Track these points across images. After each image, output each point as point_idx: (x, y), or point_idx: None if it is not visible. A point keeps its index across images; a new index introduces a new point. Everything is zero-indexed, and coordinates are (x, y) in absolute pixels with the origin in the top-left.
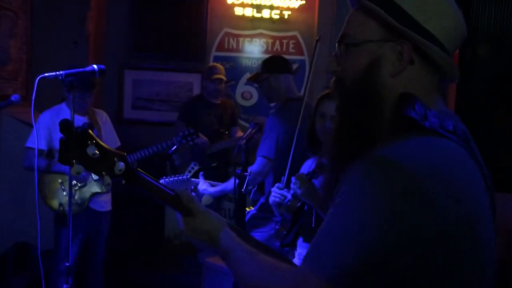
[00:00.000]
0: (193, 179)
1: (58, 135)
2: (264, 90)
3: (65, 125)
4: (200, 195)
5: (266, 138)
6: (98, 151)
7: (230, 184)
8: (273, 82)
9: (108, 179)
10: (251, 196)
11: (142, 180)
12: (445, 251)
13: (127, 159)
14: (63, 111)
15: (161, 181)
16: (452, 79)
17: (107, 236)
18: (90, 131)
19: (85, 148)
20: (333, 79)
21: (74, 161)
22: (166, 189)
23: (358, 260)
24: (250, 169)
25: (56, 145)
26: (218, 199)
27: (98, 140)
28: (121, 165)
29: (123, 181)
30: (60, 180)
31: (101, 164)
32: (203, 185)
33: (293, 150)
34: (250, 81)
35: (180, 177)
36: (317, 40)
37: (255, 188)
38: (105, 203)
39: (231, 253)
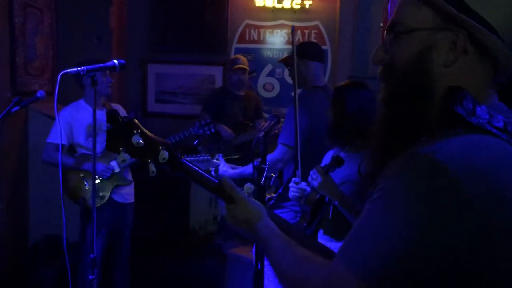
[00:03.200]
0: (214, 160)
1: (78, 130)
2: (291, 74)
3: (112, 115)
4: (220, 176)
5: (286, 125)
6: (143, 140)
7: (249, 168)
8: (302, 68)
9: (152, 167)
10: (271, 183)
11: (187, 167)
12: (486, 256)
13: (172, 148)
14: (82, 107)
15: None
16: (506, 73)
17: (132, 227)
18: (136, 120)
19: (130, 137)
20: (381, 68)
21: (120, 149)
22: (210, 177)
23: (390, 259)
24: (271, 156)
25: (77, 140)
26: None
27: (144, 129)
28: (165, 153)
29: (168, 169)
30: (82, 175)
31: (146, 152)
32: (223, 167)
33: (299, 142)
34: (281, 62)
35: (201, 157)
36: (292, 31)
37: (275, 175)
38: (128, 195)
39: (268, 243)
